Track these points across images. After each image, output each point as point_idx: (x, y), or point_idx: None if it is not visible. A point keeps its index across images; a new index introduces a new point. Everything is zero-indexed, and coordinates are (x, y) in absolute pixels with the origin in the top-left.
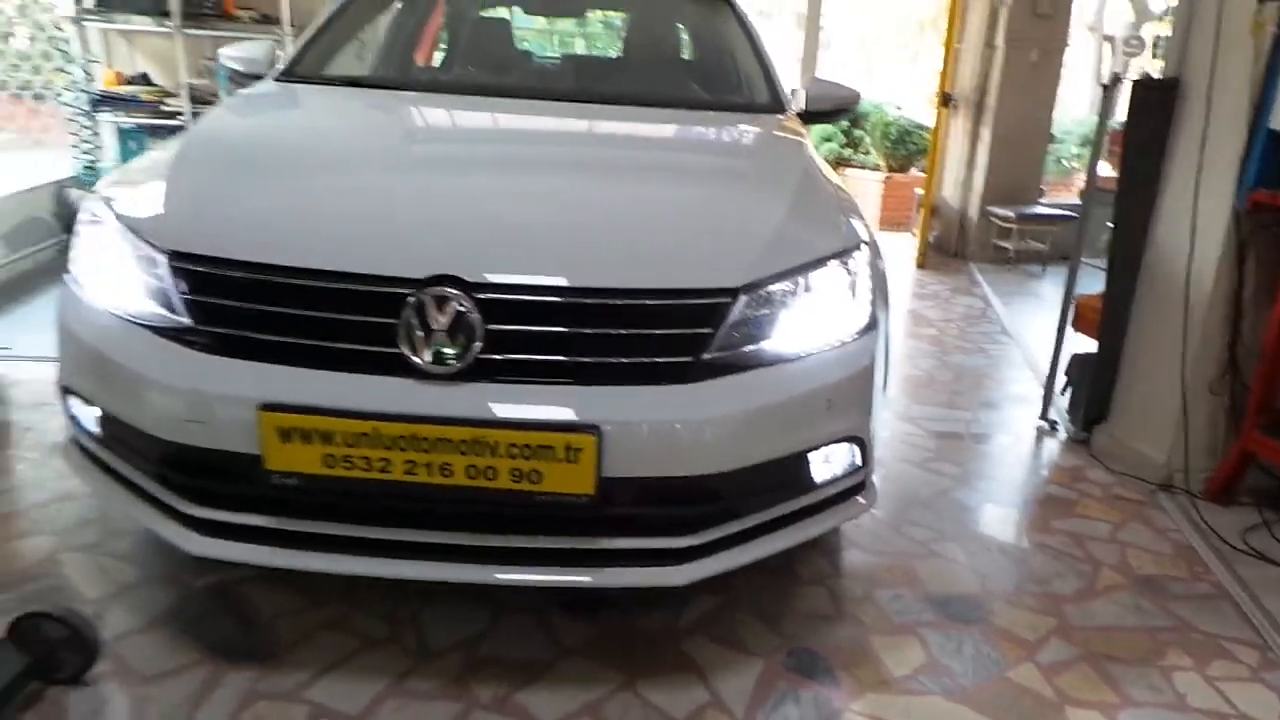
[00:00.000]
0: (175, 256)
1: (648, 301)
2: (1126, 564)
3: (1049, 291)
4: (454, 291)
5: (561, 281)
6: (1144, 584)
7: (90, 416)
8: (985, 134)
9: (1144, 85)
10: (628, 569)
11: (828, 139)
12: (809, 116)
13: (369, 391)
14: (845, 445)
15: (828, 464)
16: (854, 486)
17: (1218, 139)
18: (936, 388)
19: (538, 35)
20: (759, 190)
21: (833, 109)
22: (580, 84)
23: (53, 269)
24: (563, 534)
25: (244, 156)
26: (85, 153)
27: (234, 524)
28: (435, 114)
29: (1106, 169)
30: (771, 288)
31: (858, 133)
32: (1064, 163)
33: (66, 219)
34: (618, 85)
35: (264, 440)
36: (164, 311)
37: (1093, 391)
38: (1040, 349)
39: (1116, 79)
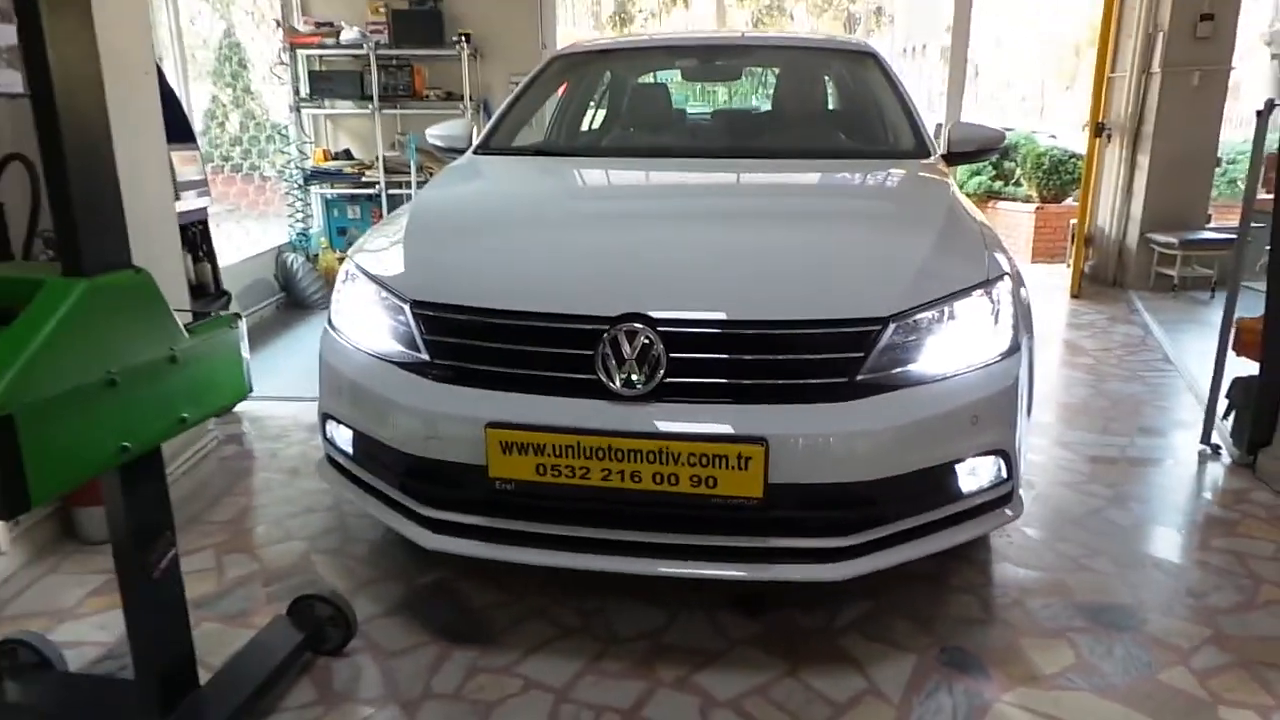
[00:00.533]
0: (416, 305)
1: (804, 331)
2: None
3: (1215, 317)
4: (640, 326)
5: (728, 315)
6: None
7: (344, 438)
8: (1143, 161)
9: None
10: (791, 565)
11: (976, 173)
12: (953, 158)
13: (572, 411)
14: (991, 458)
15: (974, 475)
16: (1001, 498)
17: None
18: (1092, 414)
19: (692, 92)
20: (905, 228)
21: (977, 150)
22: (734, 140)
23: (275, 323)
24: (735, 533)
25: (459, 220)
26: (299, 220)
27: (462, 523)
28: (609, 174)
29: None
30: (918, 316)
31: (1008, 164)
32: (1239, 184)
33: (285, 279)
34: (768, 139)
35: (489, 452)
36: (407, 350)
37: (1256, 415)
38: (1204, 375)
39: (1271, 104)
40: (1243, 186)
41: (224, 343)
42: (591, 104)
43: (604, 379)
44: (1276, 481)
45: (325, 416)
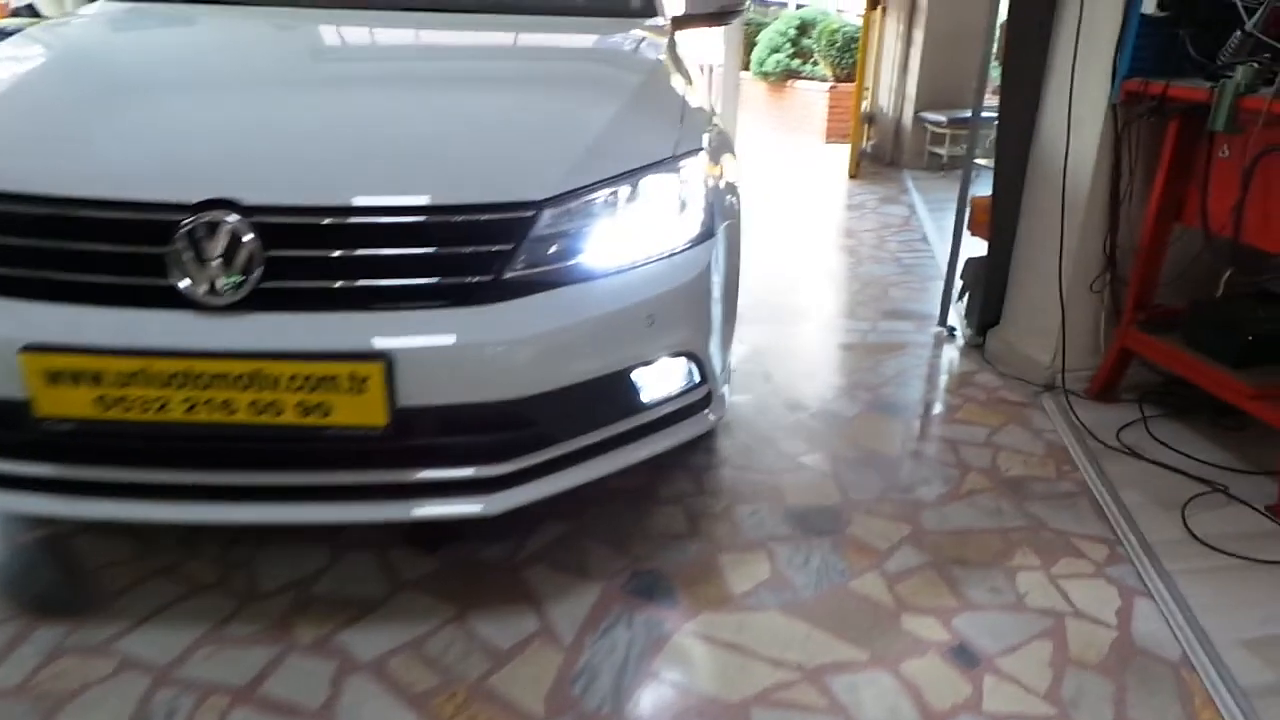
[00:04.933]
0: None
1: (437, 219)
2: (995, 467)
3: None
4: (229, 216)
5: (343, 200)
6: (1008, 486)
7: None
8: (918, 37)
9: None
10: (436, 501)
11: (776, 49)
12: (688, 20)
13: (141, 327)
14: (681, 361)
15: (658, 382)
16: (695, 403)
17: (1094, 28)
18: (842, 299)
19: None
20: (585, 97)
21: (718, 12)
22: None
23: None
24: (362, 468)
25: (24, 82)
26: None
27: (11, 475)
28: (250, 27)
29: None
30: (583, 199)
31: (806, 42)
32: None
33: None
34: None
35: (30, 384)
36: None
37: (986, 295)
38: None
39: None
40: None
41: None
42: None
43: (181, 284)
44: (1001, 362)
45: None
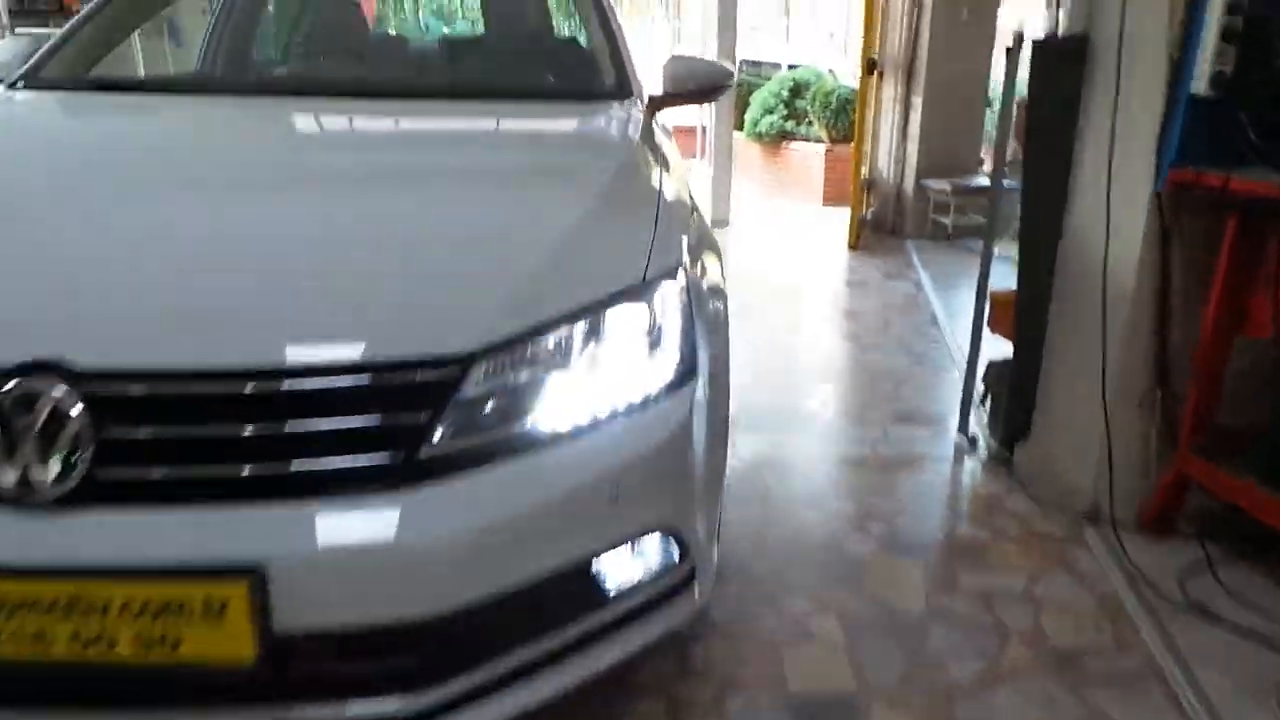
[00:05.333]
0: None
1: (324, 383)
2: (1040, 632)
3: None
4: (53, 384)
5: (198, 361)
6: (1058, 661)
7: None
8: (917, 101)
9: (1047, 46)
10: None
11: (769, 111)
12: (669, 100)
13: None
14: (654, 538)
15: (627, 568)
16: (676, 585)
17: (1133, 107)
18: (847, 396)
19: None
20: (535, 208)
21: (698, 89)
22: (378, 74)
23: None
24: (236, 704)
25: None
26: None
27: None
28: (140, 121)
29: None
30: (527, 347)
31: (800, 104)
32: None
33: None
34: (424, 75)
35: None
36: None
37: (1012, 403)
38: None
39: (1020, 39)
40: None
41: None
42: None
43: None
44: (1034, 483)
45: None
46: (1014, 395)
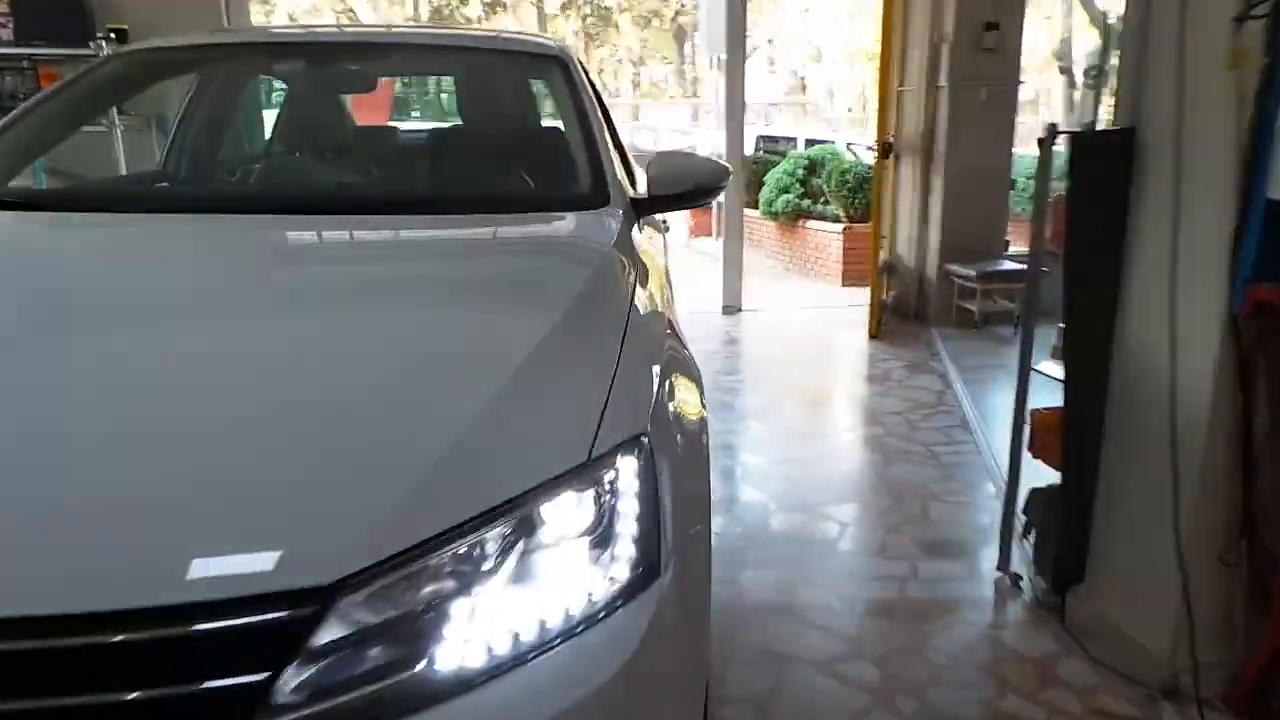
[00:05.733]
0: None
1: (116, 636)
2: None
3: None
4: None
5: None
6: None
7: None
8: (937, 183)
9: (1087, 141)
10: None
11: (785, 190)
12: (655, 204)
13: None
14: None
15: None
16: None
17: (1196, 212)
18: (871, 520)
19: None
20: (455, 366)
21: (692, 190)
22: (321, 185)
23: None
24: None
25: None
26: None
27: None
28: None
29: None
30: (418, 566)
31: (816, 182)
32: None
33: None
34: (372, 183)
35: None
36: None
37: (1062, 541)
38: (1004, 450)
39: (1055, 131)
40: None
41: None
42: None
43: None
44: (1092, 639)
45: None
46: (1064, 533)
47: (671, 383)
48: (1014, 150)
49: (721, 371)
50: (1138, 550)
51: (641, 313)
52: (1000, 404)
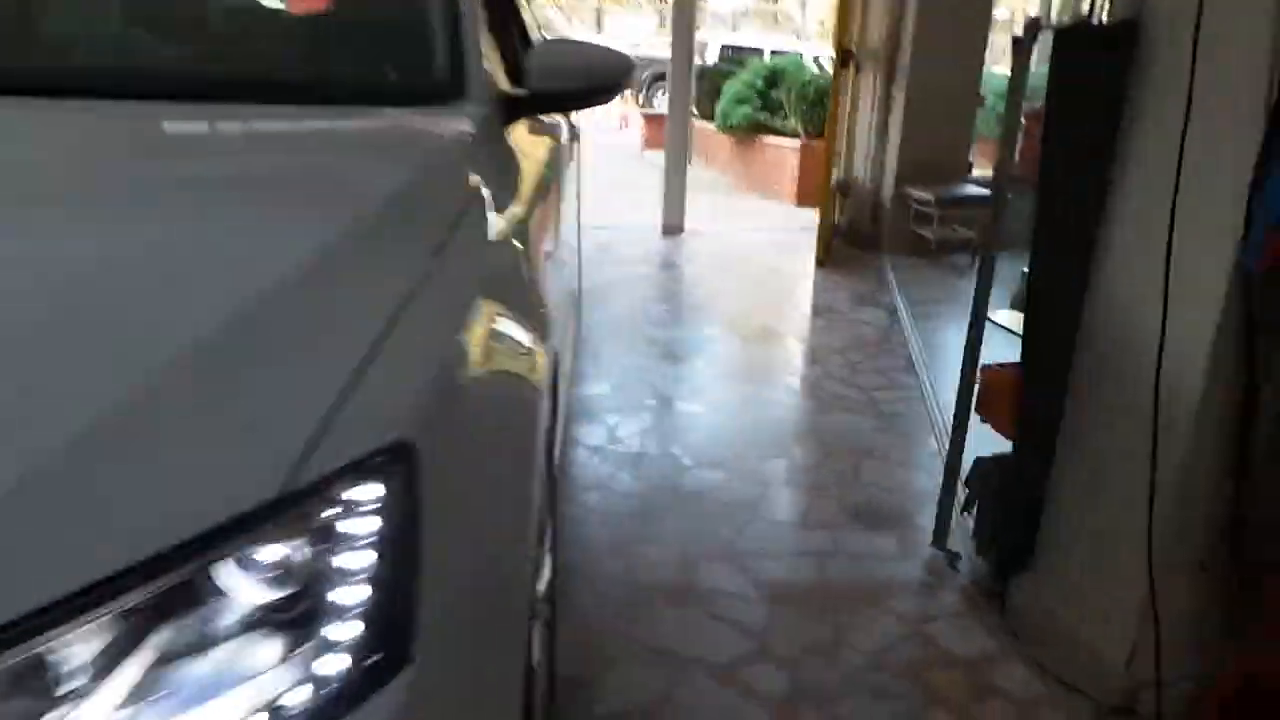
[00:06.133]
0: None
1: None
2: None
3: None
4: None
5: None
6: None
7: None
8: (899, 98)
9: (1075, 37)
10: None
11: (743, 101)
12: (538, 102)
13: None
14: None
15: None
16: None
17: (1209, 136)
18: (797, 478)
19: None
20: (83, 333)
21: (580, 90)
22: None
23: None
24: None
25: None
26: None
27: None
28: None
29: None
30: None
31: (776, 95)
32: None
33: None
34: (127, 67)
35: None
36: None
37: (1009, 521)
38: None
39: (1036, 27)
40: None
41: None
42: None
43: None
44: (1036, 640)
45: None
46: (1011, 509)
47: (496, 351)
48: (985, 67)
49: (651, 299)
50: (1098, 542)
51: (470, 250)
52: (951, 344)
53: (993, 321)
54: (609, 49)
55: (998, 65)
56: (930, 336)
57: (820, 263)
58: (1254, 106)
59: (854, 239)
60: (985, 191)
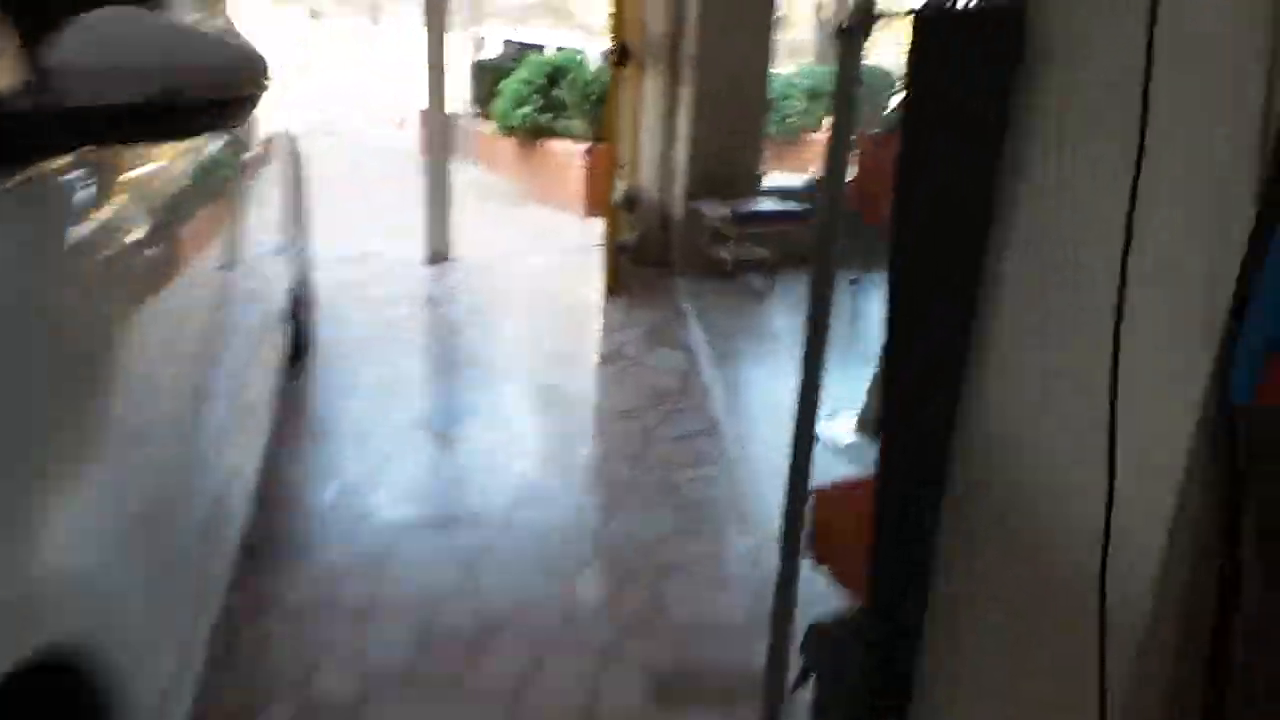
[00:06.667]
0: None
1: None
2: None
3: (780, 323)
4: None
5: None
6: None
7: None
8: (685, 96)
9: (941, 20)
10: None
11: (523, 102)
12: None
13: None
14: None
15: None
16: None
17: (1163, 238)
18: (567, 643)
19: None
20: None
21: (146, 104)
22: None
23: None
24: None
25: None
26: None
27: None
28: None
29: None
30: None
31: (558, 94)
32: (789, 121)
33: None
34: None
35: None
36: None
37: (864, 702)
38: (765, 472)
39: (867, 12)
40: (794, 124)
41: None
42: None
43: None
44: None
45: None
46: (867, 690)
47: None
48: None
49: (404, 353)
50: None
51: None
52: (756, 391)
53: (822, 443)
54: (215, 36)
55: (777, 66)
56: (736, 383)
57: (610, 290)
58: (1242, 139)
59: (644, 257)
60: (784, 206)
